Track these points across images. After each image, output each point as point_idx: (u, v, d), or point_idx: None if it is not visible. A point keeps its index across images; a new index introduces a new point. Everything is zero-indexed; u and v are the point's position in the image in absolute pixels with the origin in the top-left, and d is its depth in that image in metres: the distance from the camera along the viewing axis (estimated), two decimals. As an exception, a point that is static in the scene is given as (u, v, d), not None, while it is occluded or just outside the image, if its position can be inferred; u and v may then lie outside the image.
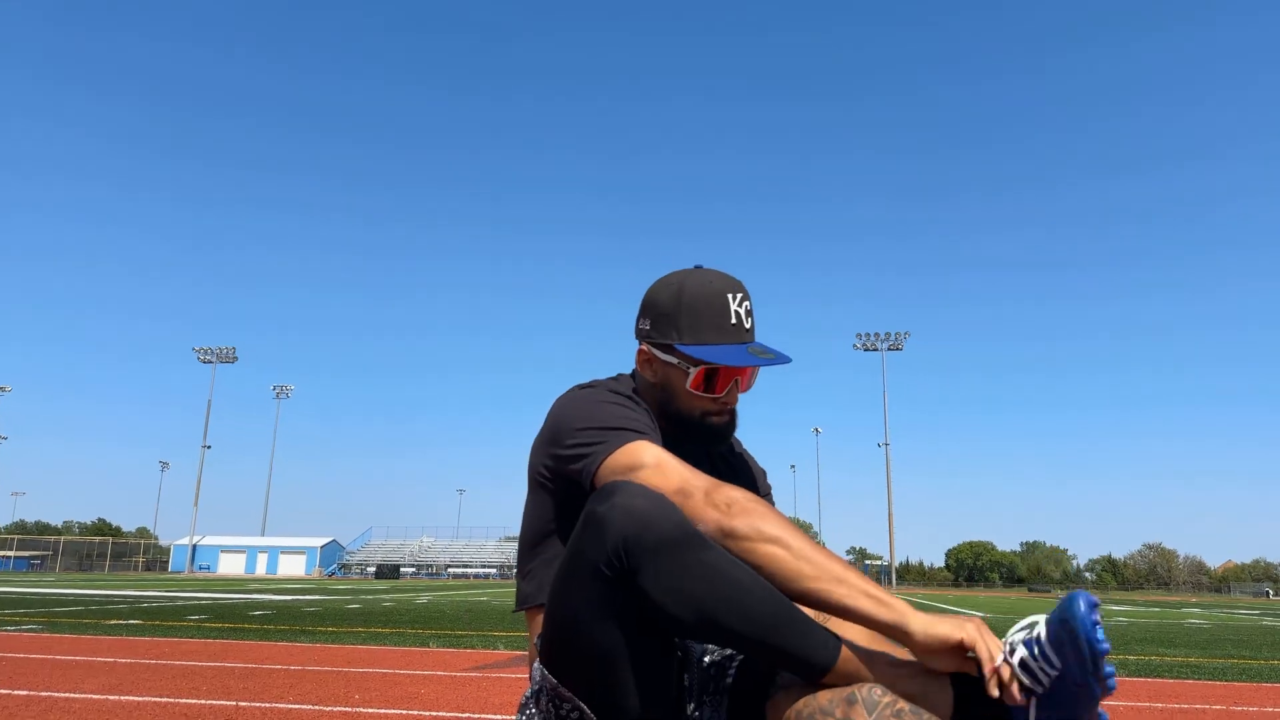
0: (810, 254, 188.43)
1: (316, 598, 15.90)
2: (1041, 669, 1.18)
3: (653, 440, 1.45)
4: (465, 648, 6.12)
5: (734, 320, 1.57)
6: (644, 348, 1.64)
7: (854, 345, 75.49)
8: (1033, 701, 1.19)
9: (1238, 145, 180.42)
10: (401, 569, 77.92)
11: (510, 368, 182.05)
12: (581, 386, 1.61)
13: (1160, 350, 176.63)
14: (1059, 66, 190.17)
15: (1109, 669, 1.15)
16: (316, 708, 3.35)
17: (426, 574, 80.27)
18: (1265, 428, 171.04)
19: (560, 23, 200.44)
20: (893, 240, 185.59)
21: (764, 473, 1.83)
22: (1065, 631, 1.15)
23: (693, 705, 1.50)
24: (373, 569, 77.52)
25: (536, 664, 1.43)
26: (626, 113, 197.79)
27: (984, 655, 1.20)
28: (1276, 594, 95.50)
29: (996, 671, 1.20)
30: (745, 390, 1.64)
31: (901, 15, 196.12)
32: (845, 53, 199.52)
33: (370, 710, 3.32)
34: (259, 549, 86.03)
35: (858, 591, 1.24)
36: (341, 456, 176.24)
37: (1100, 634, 1.14)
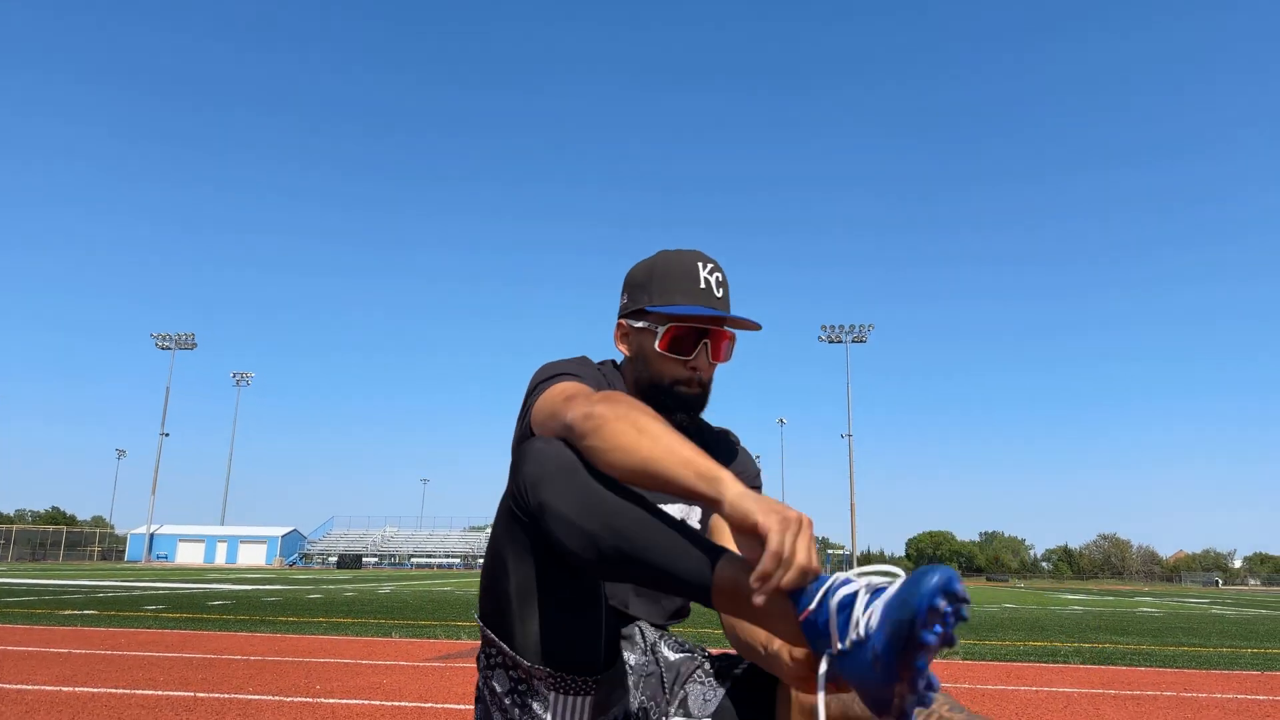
0: (778, 247, 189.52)
1: (277, 588, 15.74)
2: (850, 630, 1.02)
3: (585, 381, 1.50)
4: (428, 638, 6.10)
5: (703, 285, 1.64)
6: (620, 322, 1.71)
7: (819, 337, 76.07)
8: (825, 657, 1.06)
9: (1203, 142, 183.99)
10: (364, 559, 77.46)
11: (475, 356, 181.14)
12: (577, 359, 1.67)
13: (1116, 345, 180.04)
14: (1027, 61, 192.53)
15: (922, 670, 0.97)
16: (277, 698, 3.32)
17: (389, 564, 79.81)
18: (1216, 422, 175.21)
19: (523, 10, 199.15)
20: (858, 234, 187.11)
21: (757, 472, 1.83)
22: (900, 605, 0.97)
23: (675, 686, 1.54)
24: (334, 559, 76.99)
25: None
26: (592, 103, 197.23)
27: (766, 558, 1.07)
28: (1225, 583, 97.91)
29: (764, 580, 1.07)
30: (718, 360, 1.66)
31: (867, 8, 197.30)
32: (813, 46, 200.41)
33: (332, 701, 3.30)
34: (218, 538, 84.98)
35: (680, 464, 1.18)
36: (302, 445, 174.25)
37: (934, 628, 0.95)
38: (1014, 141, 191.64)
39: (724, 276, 1.69)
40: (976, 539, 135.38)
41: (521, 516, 1.31)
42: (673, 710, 1.53)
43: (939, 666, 4.97)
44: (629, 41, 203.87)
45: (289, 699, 3.31)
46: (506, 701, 1.41)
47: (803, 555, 1.08)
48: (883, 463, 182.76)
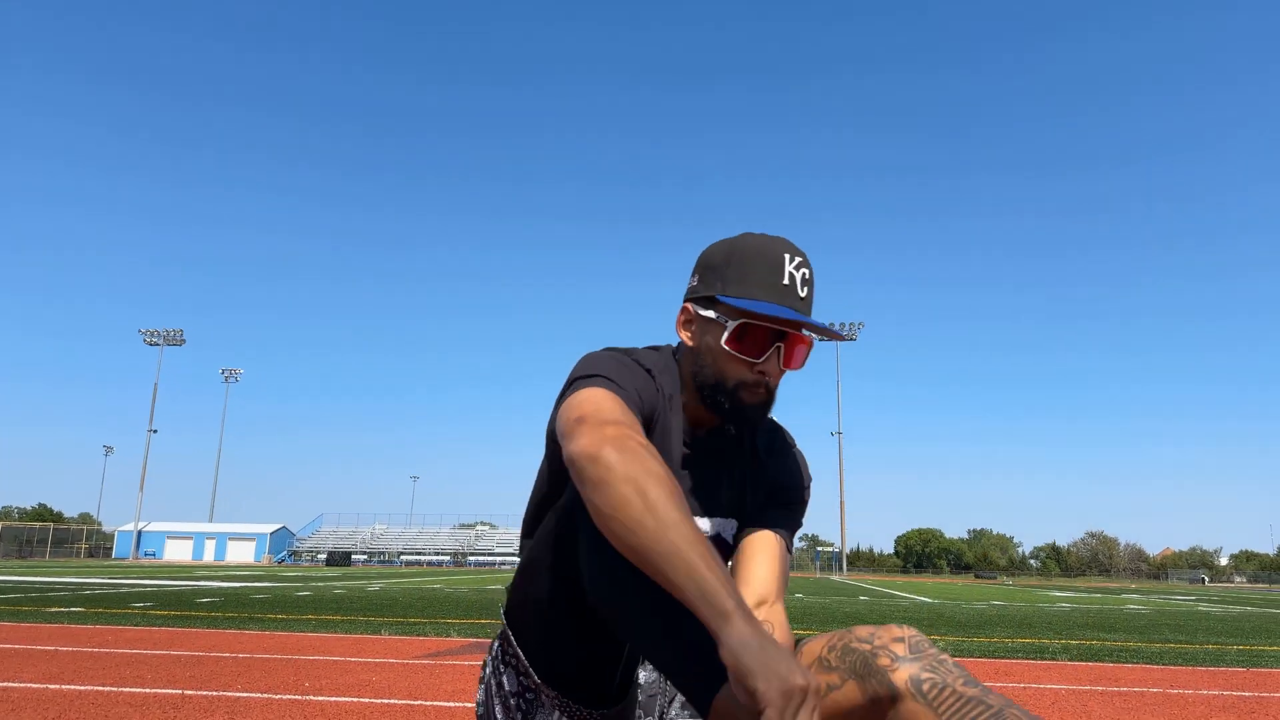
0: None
1: (266, 585, 15.67)
2: None
3: (614, 389, 1.33)
4: (418, 635, 6.08)
5: (786, 281, 1.43)
6: (686, 305, 1.52)
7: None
8: None
9: (1198, 141, 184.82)
10: (353, 556, 77.23)
11: (466, 353, 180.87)
12: (626, 352, 1.50)
13: (1105, 345, 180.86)
14: (1017, 56, 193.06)
15: None
16: (266, 696, 3.30)
17: (379, 561, 79.61)
18: (1203, 422, 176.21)
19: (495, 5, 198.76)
20: (851, 231, 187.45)
21: (807, 483, 1.64)
22: None
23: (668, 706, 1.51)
24: (324, 556, 76.74)
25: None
26: (576, 99, 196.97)
27: None
28: (1211, 580, 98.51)
29: None
30: (790, 367, 1.49)
31: (856, 4, 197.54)
32: (800, 41, 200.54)
33: (321, 698, 3.29)
34: (206, 535, 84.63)
35: (692, 575, 1.04)
36: (292, 442, 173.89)
37: None
38: (1006, 138, 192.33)
39: (811, 274, 1.48)
40: (965, 536, 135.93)
41: (566, 523, 1.25)
42: (673, 713, 1.51)
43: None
44: (613, 36, 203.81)
45: (277, 696, 3.30)
46: (511, 703, 1.39)
47: None
48: (872, 461, 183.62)
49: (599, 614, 1.22)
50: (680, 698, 1.51)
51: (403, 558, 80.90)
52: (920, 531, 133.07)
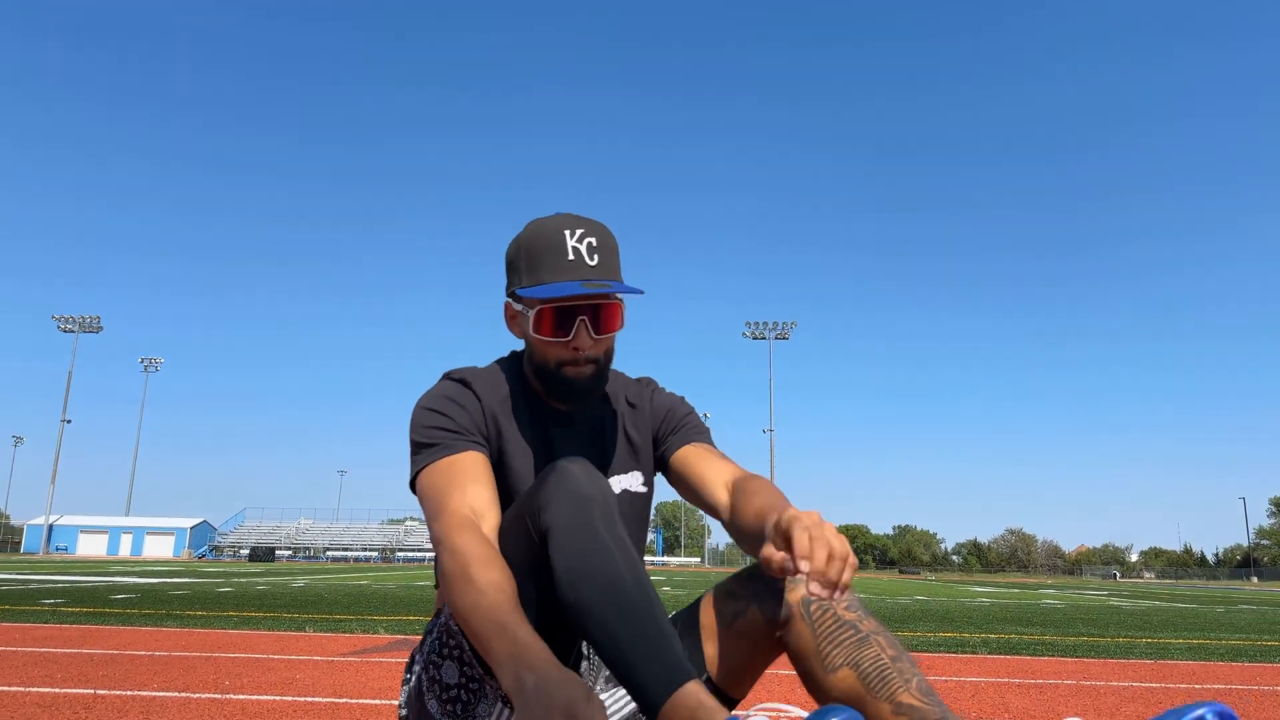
0: (705, 245, 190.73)
1: (185, 581, 15.24)
2: None
3: (450, 453, 1.45)
4: (344, 632, 5.97)
5: (570, 256, 1.48)
6: (506, 301, 1.60)
7: (743, 334, 76.84)
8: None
9: (1139, 136, 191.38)
10: (277, 552, 75.50)
11: (396, 346, 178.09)
12: (446, 375, 1.59)
13: (1025, 347, 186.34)
14: (947, 50, 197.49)
15: None
16: (183, 695, 3.21)
17: (304, 557, 78.00)
18: (1117, 423, 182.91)
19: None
20: (785, 233, 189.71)
21: (688, 411, 1.71)
22: None
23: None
24: (246, 551, 74.89)
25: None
26: (520, 101, 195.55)
27: None
28: (1123, 576, 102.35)
29: None
30: (603, 332, 1.51)
31: (797, 15, 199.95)
32: (737, 47, 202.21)
33: (241, 696, 3.20)
34: (122, 530, 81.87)
35: (499, 649, 1.14)
36: (214, 434, 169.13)
37: None
38: (939, 147, 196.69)
39: (601, 239, 1.51)
40: (890, 533, 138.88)
41: (529, 529, 1.30)
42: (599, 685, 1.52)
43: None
44: (561, 42, 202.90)
45: (196, 695, 3.20)
46: (450, 694, 1.38)
47: None
48: (802, 457, 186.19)
49: (562, 609, 1.24)
50: (605, 675, 1.52)
51: (329, 553, 79.37)
52: (847, 527, 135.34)
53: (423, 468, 1.46)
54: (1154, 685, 4.24)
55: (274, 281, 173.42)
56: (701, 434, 1.69)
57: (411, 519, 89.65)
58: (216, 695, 3.22)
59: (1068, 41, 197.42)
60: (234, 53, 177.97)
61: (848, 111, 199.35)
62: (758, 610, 1.39)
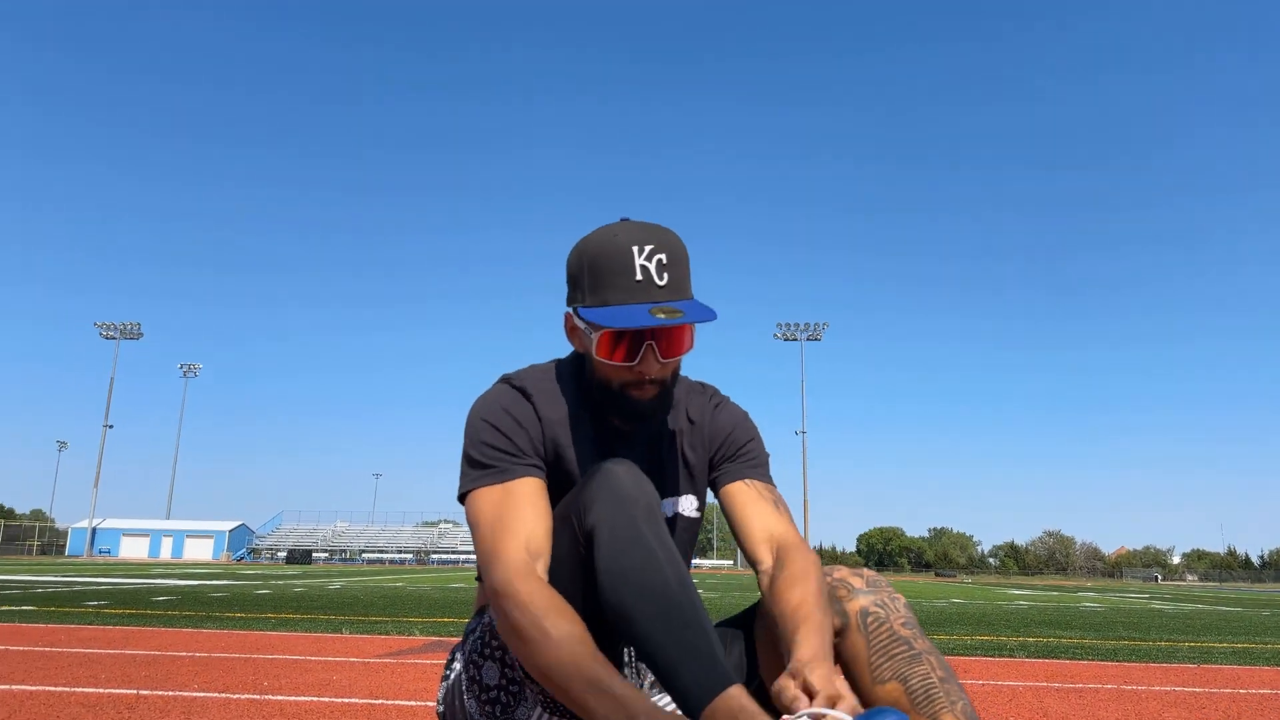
0: (737, 245, 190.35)
1: (224, 583, 15.46)
2: None
3: (506, 478, 1.40)
4: (380, 634, 6.03)
5: (639, 276, 1.38)
6: (567, 313, 1.51)
7: (774, 335, 76.56)
8: None
9: (1167, 140, 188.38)
10: (314, 554, 76.36)
11: (430, 350, 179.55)
12: (503, 379, 1.53)
13: (1064, 348, 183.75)
14: (984, 56, 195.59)
15: None
16: (223, 695, 3.26)
17: (340, 560, 78.80)
18: (1158, 423, 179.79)
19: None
20: (817, 233, 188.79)
21: (747, 428, 1.62)
22: None
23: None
24: (284, 554, 75.78)
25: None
26: (553, 99, 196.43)
27: None
28: (1164, 579, 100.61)
29: None
30: (671, 356, 1.43)
31: (834, 15, 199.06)
32: (771, 46, 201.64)
33: (279, 697, 3.24)
34: (163, 533, 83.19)
35: (596, 705, 1.14)
36: (252, 438, 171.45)
37: None
38: (971, 148, 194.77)
39: (671, 252, 1.41)
40: (926, 535, 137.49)
41: (575, 530, 1.30)
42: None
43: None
44: (590, 41, 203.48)
45: (235, 696, 3.25)
46: (490, 695, 1.38)
47: None
48: (835, 459, 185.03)
49: (605, 611, 1.24)
50: (650, 680, 1.52)
51: (364, 556, 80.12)
52: (882, 530, 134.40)
53: (477, 488, 1.41)
54: (1197, 690, 4.17)
55: (310, 287, 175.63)
56: (757, 468, 1.58)
57: (445, 521, 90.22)
58: (256, 696, 3.27)
59: (1115, 40, 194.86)
60: (266, 65, 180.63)
61: (883, 111, 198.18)
62: None
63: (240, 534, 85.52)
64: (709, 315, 1.38)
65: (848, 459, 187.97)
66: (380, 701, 3.21)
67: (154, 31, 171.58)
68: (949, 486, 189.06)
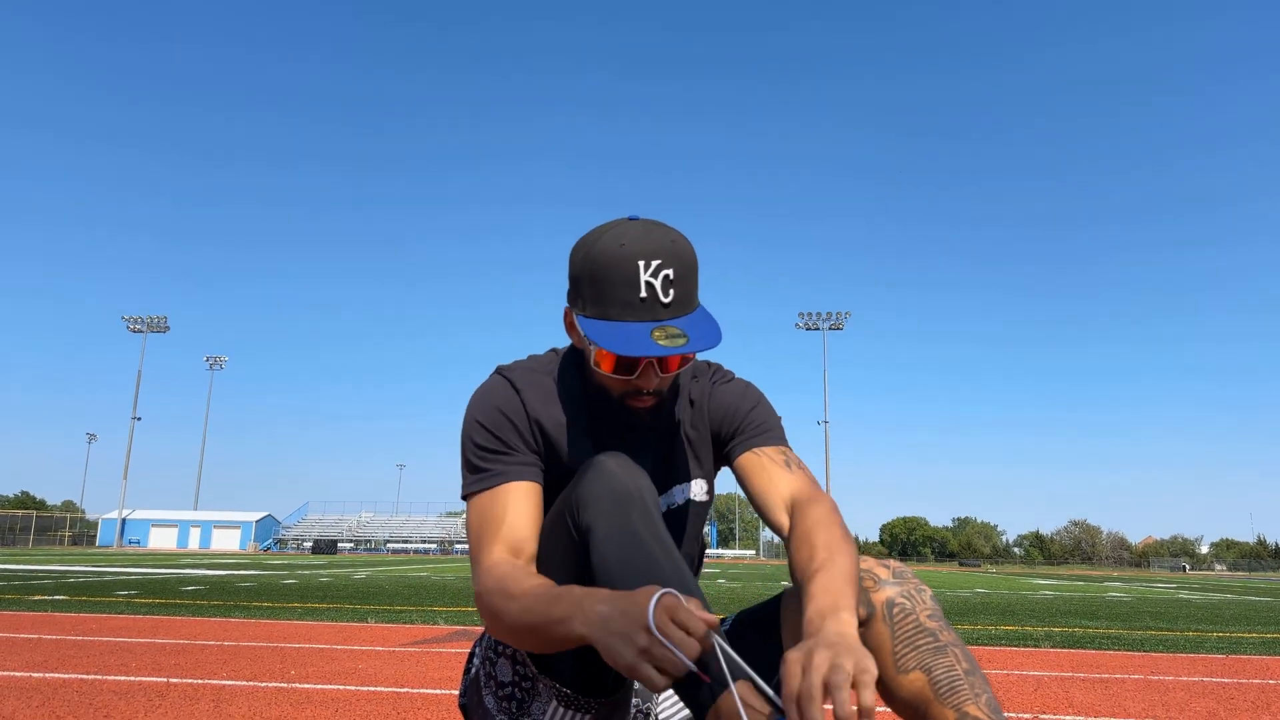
0: (759, 232, 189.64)
1: (251, 573, 15.64)
2: None
3: (498, 481, 1.40)
4: (404, 623, 6.08)
5: (643, 293, 1.30)
6: (567, 309, 1.45)
7: (796, 324, 76.25)
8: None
9: (1209, 143, 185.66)
10: (339, 545, 77.06)
11: (451, 340, 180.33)
12: (499, 370, 1.51)
13: (1088, 338, 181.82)
14: (1013, 57, 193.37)
15: None
16: (251, 684, 3.30)
17: (365, 550, 79.46)
18: (1185, 412, 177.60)
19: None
20: (839, 221, 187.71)
21: (750, 398, 1.56)
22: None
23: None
24: (309, 544, 76.59)
25: None
26: (578, 81, 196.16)
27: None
28: (1192, 568, 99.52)
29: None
30: (670, 371, 1.40)
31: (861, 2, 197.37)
32: (798, 33, 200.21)
33: (306, 686, 3.28)
34: (191, 523, 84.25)
35: (566, 630, 1.15)
36: (277, 430, 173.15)
37: None
38: (996, 136, 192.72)
39: (678, 266, 1.33)
40: (950, 525, 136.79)
41: (570, 527, 1.29)
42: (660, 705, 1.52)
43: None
44: (616, 26, 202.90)
45: (263, 684, 3.29)
46: (505, 691, 1.40)
47: (671, 648, 1.04)
48: (858, 449, 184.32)
49: None
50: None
51: (389, 546, 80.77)
52: (905, 520, 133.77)
53: (470, 494, 1.43)
54: (1226, 680, 4.13)
55: (333, 282, 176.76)
56: (764, 434, 1.52)
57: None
58: (283, 684, 3.30)
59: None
60: (286, 46, 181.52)
61: (903, 93, 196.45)
62: None
63: (267, 524, 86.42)
64: (712, 342, 1.31)
65: (871, 449, 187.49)
66: (405, 690, 3.24)
67: (188, 34, 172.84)
68: (973, 476, 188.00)
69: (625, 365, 1.36)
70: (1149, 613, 9.66)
